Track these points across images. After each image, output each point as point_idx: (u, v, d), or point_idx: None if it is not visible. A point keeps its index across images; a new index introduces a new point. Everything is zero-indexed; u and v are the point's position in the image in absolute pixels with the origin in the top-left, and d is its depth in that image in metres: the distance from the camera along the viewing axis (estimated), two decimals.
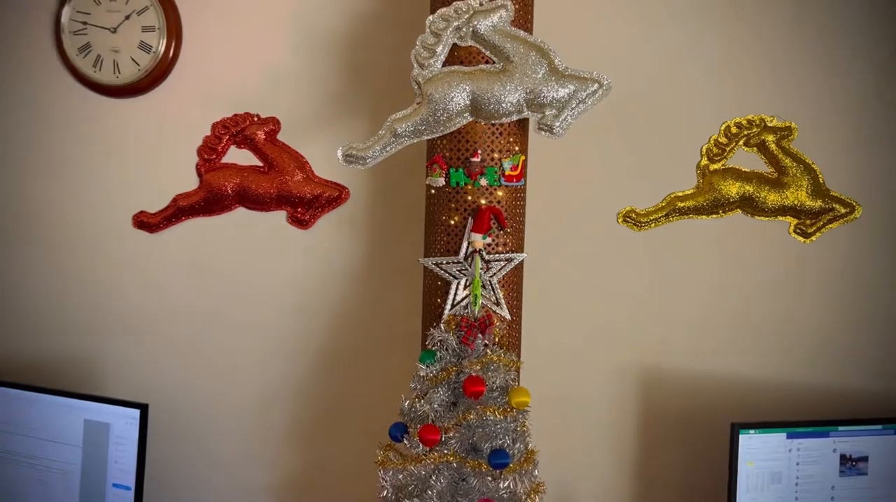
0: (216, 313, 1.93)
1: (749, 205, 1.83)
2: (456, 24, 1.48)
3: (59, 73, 1.91)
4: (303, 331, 1.93)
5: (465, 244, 1.52)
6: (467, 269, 1.53)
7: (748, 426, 1.61)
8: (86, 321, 1.95)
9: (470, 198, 1.54)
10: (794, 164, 1.81)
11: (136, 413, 1.67)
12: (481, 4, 1.48)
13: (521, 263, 1.59)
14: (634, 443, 1.89)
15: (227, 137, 1.89)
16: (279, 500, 1.96)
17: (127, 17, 1.87)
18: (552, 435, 1.83)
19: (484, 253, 1.52)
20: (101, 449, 1.71)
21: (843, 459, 1.66)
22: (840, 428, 1.66)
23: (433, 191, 1.58)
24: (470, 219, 1.53)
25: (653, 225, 1.85)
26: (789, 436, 1.64)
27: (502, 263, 1.54)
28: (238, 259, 1.93)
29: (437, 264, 1.54)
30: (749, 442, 1.62)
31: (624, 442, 1.89)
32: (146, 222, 1.93)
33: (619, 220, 1.86)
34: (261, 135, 1.88)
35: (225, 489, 1.95)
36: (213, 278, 1.93)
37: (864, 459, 1.67)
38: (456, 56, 1.50)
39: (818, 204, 1.82)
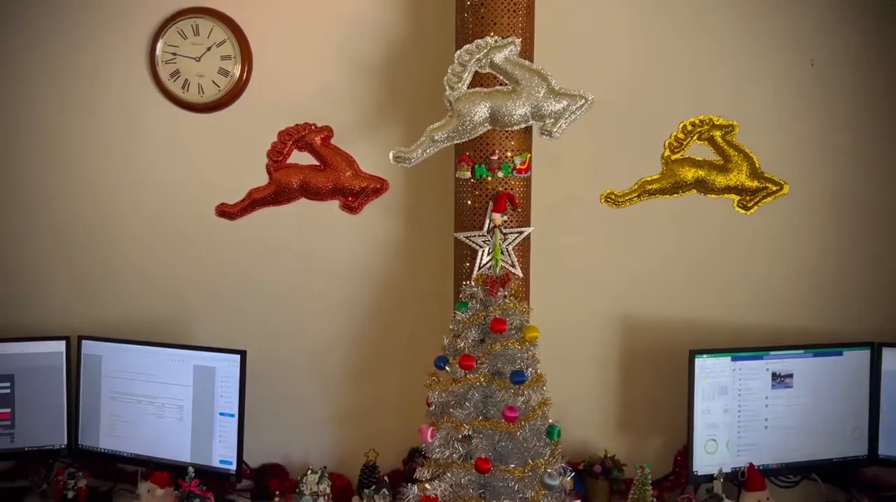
0: (286, 282, 2.43)
1: (702, 186, 2.35)
2: (477, 56, 1.98)
3: (154, 94, 2.39)
4: (355, 295, 2.43)
5: (487, 221, 2.04)
6: (489, 240, 2.04)
7: (702, 352, 2.15)
8: (187, 290, 2.44)
9: (490, 186, 2.05)
10: (736, 154, 2.33)
11: (238, 357, 2.18)
12: (496, 41, 1.98)
13: (529, 235, 2.10)
14: (617, 373, 2.42)
15: (291, 143, 2.38)
16: (339, 428, 2.47)
17: (208, 49, 2.35)
18: (553, 369, 2.32)
19: (502, 227, 2.04)
20: (208, 387, 2.22)
21: (774, 376, 2.20)
22: (771, 352, 2.20)
23: (461, 183, 2.09)
24: (490, 203, 2.04)
25: (627, 203, 2.36)
26: (733, 359, 2.18)
27: (515, 235, 2.06)
28: (301, 239, 2.42)
29: (467, 237, 2.06)
30: (703, 364, 2.15)
31: (608, 372, 2.42)
32: (227, 211, 2.42)
33: (602, 200, 2.37)
34: (317, 139, 2.37)
35: (298, 418, 2.45)
36: (281, 255, 2.42)
37: (790, 376, 2.21)
38: (477, 80, 2.01)
39: (755, 184, 2.34)
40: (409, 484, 2.07)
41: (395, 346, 2.45)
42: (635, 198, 2.37)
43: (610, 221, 2.37)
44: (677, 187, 2.35)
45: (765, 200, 2.34)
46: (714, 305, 2.36)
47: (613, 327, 2.41)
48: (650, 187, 2.36)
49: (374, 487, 2.23)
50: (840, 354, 2.24)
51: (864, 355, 2.25)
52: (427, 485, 1.99)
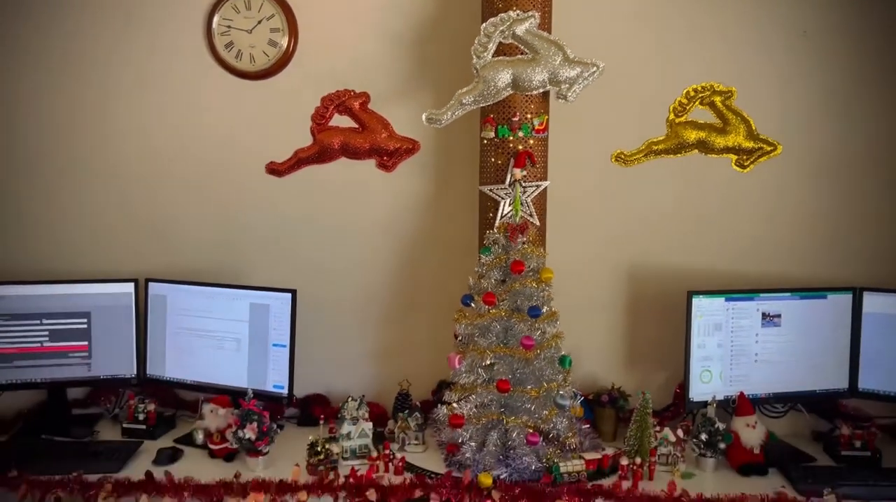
0: (330, 232, 2.71)
1: (703, 146, 2.59)
2: (501, 28, 2.23)
3: (210, 64, 2.66)
4: (390, 244, 2.72)
5: (508, 176, 2.31)
6: (510, 192, 2.31)
7: (699, 293, 2.42)
8: (243, 238, 2.73)
9: (511, 145, 2.31)
10: (735, 117, 2.57)
11: (289, 295, 2.48)
12: (518, 15, 2.23)
13: (546, 189, 2.37)
14: (624, 314, 2.70)
15: (332, 107, 2.65)
16: (376, 363, 2.77)
17: (259, 22, 2.61)
18: (568, 310, 2.59)
19: (522, 181, 2.30)
20: (263, 322, 2.52)
21: (764, 315, 2.47)
22: (762, 294, 2.47)
23: (485, 142, 2.36)
24: (511, 160, 2.31)
25: (635, 162, 2.62)
26: (727, 300, 2.45)
27: (534, 188, 2.33)
28: (343, 194, 2.70)
29: (491, 190, 2.33)
30: (699, 303, 2.42)
31: (616, 314, 2.70)
32: (275, 169, 2.70)
33: (612, 160, 2.63)
34: (356, 104, 2.63)
35: (340, 354, 2.76)
36: (326, 208, 2.71)
37: (779, 316, 2.48)
38: (500, 50, 2.26)
39: (751, 145, 2.58)
40: (439, 406, 2.37)
41: (426, 290, 2.74)
42: (642, 158, 2.62)
43: (619, 178, 2.63)
44: (681, 147, 2.60)
45: (760, 159, 2.58)
46: (712, 253, 2.63)
47: (621, 273, 2.68)
48: (656, 147, 2.61)
49: (407, 411, 2.53)
50: (825, 297, 2.50)
51: (846, 299, 2.50)
52: (455, 405, 2.29)
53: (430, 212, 2.71)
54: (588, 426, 2.49)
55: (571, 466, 2.25)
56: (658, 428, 2.38)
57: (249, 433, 2.28)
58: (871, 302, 2.49)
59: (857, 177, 2.59)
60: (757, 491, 2.16)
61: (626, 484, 2.21)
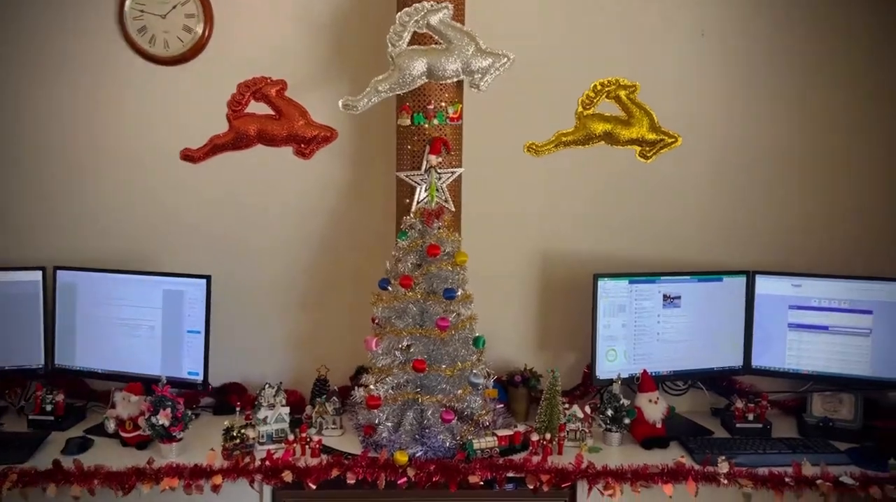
0: (247, 219, 2.72)
1: (609, 138, 2.71)
2: (416, 18, 2.29)
3: (123, 48, 2.62)
4: (308, 230, 2.74)
5: (424, 163, 2.36)
6: (426, 178, 2.37)
7: (604, 275, 2.54)
8: (159, 223, 2.70)
9: (426, 132, 2.37)
10: (638, 110, 2.70)
11: (203, 282, 2.47)
12: (432, 6, 2.29)
13: (460, 175, 2.44)
14: (536, 298, 2.81)
15: (248, 94, 2.63)
16: (293, 350, 2.79)
17: (174, 7, 2.59)
18: (483, 295, 2.68)
19: (437, 168, 2.37)
20: (177, 308, 2.50)
21: (665, 297, 2.62)
22: (663, 277, 2.61)
23: (401, 129, 2.41)
24: (427, 146, 2.37)
25: (546, 152, 2.72)
26: (630, 282, 2.58)
27: (448, 174, 2.39)
28: (259, 181, 2.71)
29: (407, 176, 2.38)
30: (604, 286, 2.54)
31: (529, 298, 2.80)
32: (190, 155, 2.65)
33: (525, 150, 2.72)
34: (273, 91, 2.63)
35: (258, 339, 2.76)
36: (242, 194, 2.71)
37: (679, 297, 2.62)
38: (415, 39, 2.32)
39: (654, 136, 2.71)
40: (356, 388, 2.41)
41: (344, 276, 2.77)
42: (552, 148, 2.71)
43: (531, 167, 2.72)
44: (588, 139, 2.71)
45: (662, 151, 2.72)
46: (618, 239, 2.76)
47: (533, 257, 2.79)
48: (565, 139, 2.71)
49: (324, 396, 2.55)
50: (721, 280, 2.66)
51: (740, 281, 2.68)
52: (371, 387, 2.34)
53: (348, 198, 2.74)
54: (502, 406, 2.58)
55: (484, 443, 2.32)
56: (567, 406, 2.49)
57: (163, 419, 2.26)
58: (762, 284, 2.67)
59: (751, 169, 2.78)
60: (658, 462, 2.29)
61: (536, 459, 2.31)
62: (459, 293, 2.35)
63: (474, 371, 2.34)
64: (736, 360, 2.70)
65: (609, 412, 2.45)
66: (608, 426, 2.46)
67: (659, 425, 2.48)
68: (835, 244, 2.79)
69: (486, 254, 2.62)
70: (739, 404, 2.58)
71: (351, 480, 2.21)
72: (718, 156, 2.77)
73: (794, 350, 2.65)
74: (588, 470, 2.25)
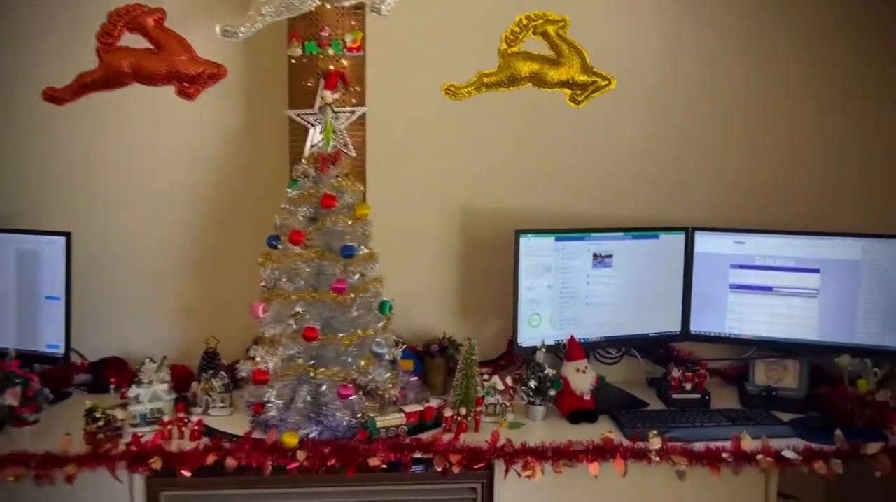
0: (119, 167, 2.37)
1: (537, 79, 2.42)
2: None
3: None
4: (195, 181, 2.40)
5: (318, 99, 2.05)
6: (321, 118, 2.05)
7: (527, 232, 2.26)
8: (12, 173, 2.34)
9: (321, 64, 2.05)
10: (569, 49, 2.42)
11: (62, 239, 2.12)
12: None
13: (364, 116, 2.13)
14: (457, 260, 2.52)
15: (121, 24, 2.27)
16: (182, 320, 2.46)
17: None
18: (396, 257, 2.41)
19: (333, 106, 2.05)
20: (32, 271, 2.15)
21: (595, 256, 2.36)
22: (593, 234, 2.35)
23: (294, 61, 2.09)
24: (322, 80, 2.05)
25: (466, 95, 2.41)
26: (557, 240, 2.31)
27: (347, 114, 2.08)
28: (135, 124, 2.36)
29: (298, 115, 2.06)
30: (527, 243, 2.27)
31: (449, 260, 2.52)
32: (54, 96, 2.29)
33: (442, 92, 2.42)
34: (150, 21, 2.26)
35: (141, 308, 2.43)
36: (115, 138, 2.36)
37: (610, 256, 2.37)
38: None
39: (585, 78, 2.44)
40: (242, 361, 2.11)
41: (239, 235, 2.44)
42: (473, 91, 2.42)
43: (449, 111, 2.42)
44: (514, 80, 2.42)
45: (594, 95, 2.44)
46: (545, 193, 2.49)
47: (453, 215, 2.50)
48: (488, 80, 2.41)
49: (212, 371, 2.24)
50: (657, 237, 2.42)
51: (678, 239, 2.43)
52: (258, 358, 2.03)
53: (241, 146, 2.41)
54: (417, 379, 2.30)
55: (390, 420, 2.05)
56: (486, 377, 2.23)
57: (10, 399, 1.94)
58: (702, 242, 2.43)
59: (692, 117, 2.52)
60: (585, 437, 2.04)
61: (448, 437, 2.04)
62: (362, 251, 2.06)
63: (378, 339, 2.05)
64: (673, 325, 2.46)
65: (532, 383, 2.20)
66: (531, 399, 2.21)
67: (587, 397, 2.23)
68: (780, 199, 2.56)
69: (396, 208, 2.35)
70: (676, 373, 2.35)
71: (232, 465, 1.91)
72: (656, 101, 2.51)
73: (736, 313, 2.43)
74: (504, 449, 1.99)
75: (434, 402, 2.18)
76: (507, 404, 2.21)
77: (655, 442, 2.01)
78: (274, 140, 2.36)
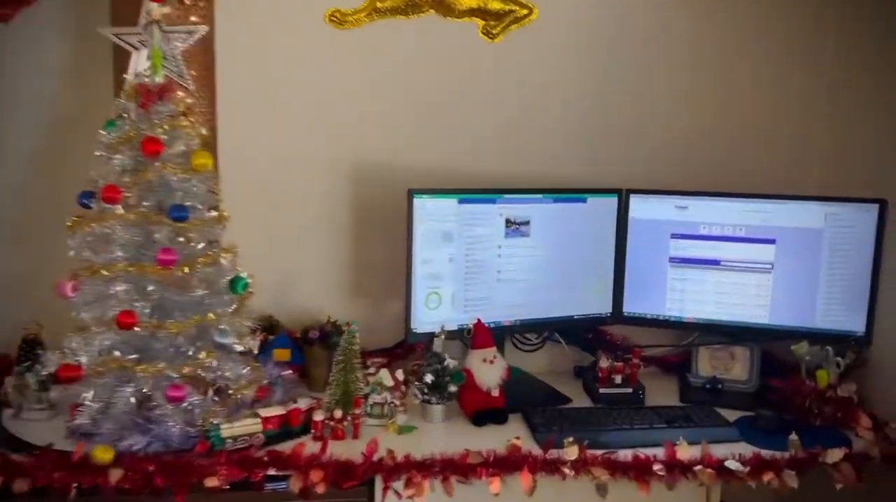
0: None
1: (441, 6, 2.00)
2: None
3: None
4: (8, 132, 1.92)
5: (143, 14, 1.58)
6: (147, 39, 1.59)
7: (422, 192, 1.83)
8: None
9: None
10: None
11: None
12: None
13: (213, 40, 1.68)
14: (347, 231, 2.08)
15: None
16: (5, 296, 1.99)
17: None
18: (272, 226, 1.99)
19: (163, 24, 1.59)
20: None
21: (508, 223, 1.94)
22: (505, 196, 1.93)
23: None
24: None
25: (354, 24, 1.98)
26: (461, 202, 1.88)
27: (184, 35, 1.62)
28: None
29: (116, 34, 1.60)
30: (423, 206, 1.84)
31: (338, 230, 2.07)
32: None
33: (325, 19, 1.98)
34: None
35: None
36: None
37: (527, 223, 1.96)
38: None
39: (501, 6, 2.02)
40: (51, 352, 1.65)
41: (67, 196, 1.96)
42: (364, 18, 1.99)
43: (335, 43, 1.98)
44: (413, 7, 2.00)
45: (511, 27, 2.04)
46: (450, 147, 2.06)
47: (340, 176, 2.05)
48: (381, 5, 1.99)
49: (28, 365, 1.78)
50: (584, 201, 2.01)
51: (610, 203, 2.04)
52: (66, 350, 1.58)
53: (65, 82, 1.92)
54: (291, 372, 1.88)
55: (240, 428, 1.62)
56: (373, 371, 1.81)
57: None
58: (638, 206, 2.04)
59: (627, 61, 2.11)
60: (491, 443, 1.64)
61: (315, 447, 1.62)
62: (207, 214, 1.61)
63: (222, 326, 1.61)
64: (603, 306, 2.08)
65: (428, 378, 1.79)
66: (425, 396, 1.80)
67: (495, 393, 1.83)
68: (731, 157, 2.19)
69: (273, 165, 1.94)
70: (604, 363, 1.96)
71: (21, 489, 1.47)
72: (586, 40, 2.09)
73: (677, 292, 2.05)
74: (383, 463, 1.58)
75: (304, 403, 1.75)
76: (397, 404, 1.80)
77: (571, 452, 1.62)
78: (102, 73, 1.88)
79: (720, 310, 2.03)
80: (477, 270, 1.92)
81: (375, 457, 1.59)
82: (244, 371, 1.68)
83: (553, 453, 1.62)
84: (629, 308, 2.08)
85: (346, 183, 2.06)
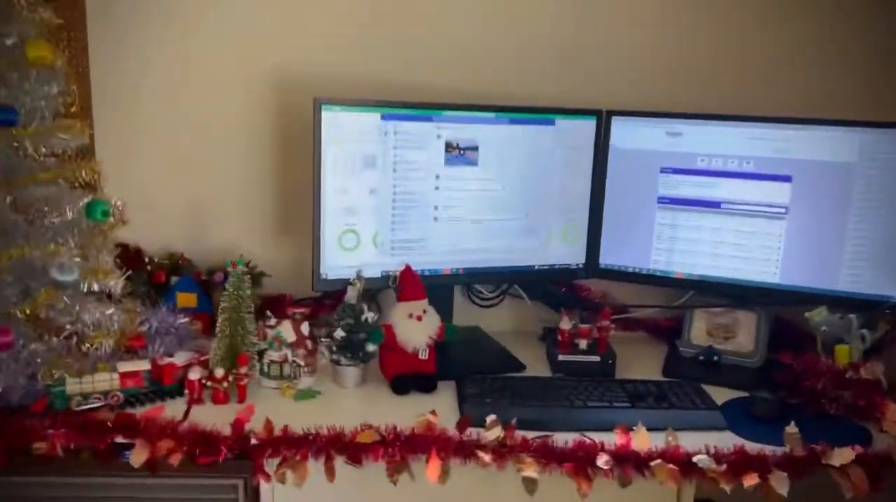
0: None
1: None
2: None
3: None
4: None
5: None
6: None
7: (332, 103, 1.47)
8: None
9: None
10: None
11: None
12: None
13: None
14: (268, 150, 1.75)
15: None
16: None
17: None
18: (178, 151, 1.70)
19: None
20: None
21: (450, 147, 1.57)
22: (446, 113, 1.55)
23: None
24: None
25: None
26: (385, 118, 1.51)
27: None
28: None
29: None
30: (335, 122, 1.47)
31: (257, 149, 1.75)
32: None
33: None
34: None
35: None
36: None
37: (474, 148, 1.58)
38: None
39: None
40: None
41: None
42: None
43: None
44: None
45: None
46: (403, 59, 1.69)
47: (265, 88, 1.71)
48: None
49: None
50: (551, 123, 1.63)
51: (585, 126, 1.65)
52: None
53: None
54: (187, 320, 1.58)
55: (90, 384, 1.33)
56: (273, 322, 1.49)
57: None
58: (621, 131, 1.65)
59: None
60: (408, 416, 1.31)
61: (179, 411, 1.33)
62: (37, 112, 1.30)
63: (62, 260, 1.31)
64: (575, 256, 1.71)
65: (338, 333, 1.46)
66: (334, 356, 1.48)
67: (424, 355, 1.49)
68: (736, 71, 1.75)
69: (166, 72, 1.59)
70: (565, 324, 1.59)
71: None
72: None
73: (666, 241, 1.66)
74: (247, 438, 1.27)
75: (182, 357, 1.45)
76: (301, 363, 1.48)
77: (492, 432, 1.27)
78: None
79: (720, 265, 1.63)
80: (408, 206, 1.56)
81: (246, 431, 1.28)
82: (109, 313, 1.39)
83: (471, 433, 1.28)
84: (607, 259, 1.70)
85: (267, 97, 1.72)
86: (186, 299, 1.67)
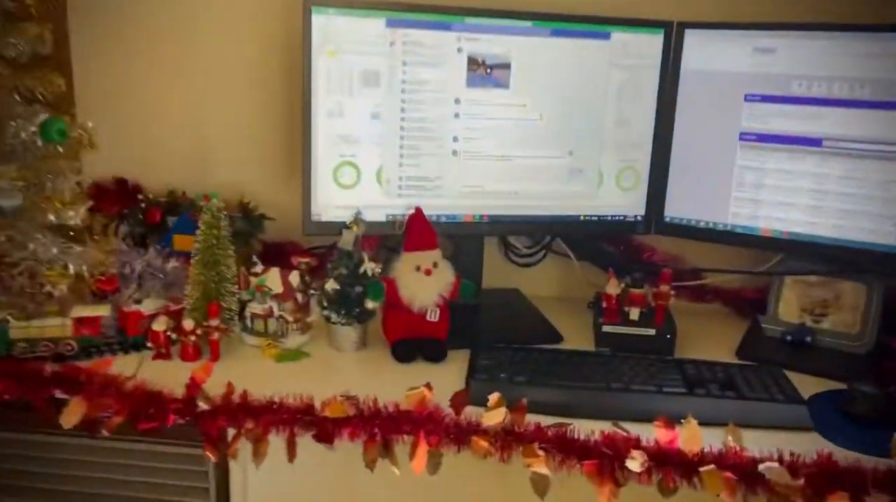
0: None
1: None
2: None
3: None
4: None
5: None
6: None
7: (325, 4, 1.20)
8: None
9: None
10: None
11: None
12: None
13: None
14: (285, 82, 1.51)
15: None
16: None
17: None
18: (184, 78, 1.51)
19: None
20: None
21: (474, 62, 1.28)
22: (467, 20, 1.26)
23: None
24: None
25: None
26: (391, 24, 1.24)
27: None
28: None
29: None
30: (327, 26, 1.21)
31: (274, 80, 1.51)
32: None
33: None
34: None
35: None
36: None
37: (506, 66, 1.29)
38: None
39: None
40: None
41: None
42: None
43: None
44: None
45: None
46: None
47: (280, 16, 1.48)
48: None
49: None
50: (605, 37, 1.31)
51: (650, 42, 1.32)
52: None
53: None
54: (178, 264, 1.39)
55: (38, 329, 1.16)
56: (259, 269, 1.27)
57: None
58: (696, 49, 1.31)
59: None
60: (402, 386, 1.06)
61: (131, 367, 1.13)
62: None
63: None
64: (633, 206, 1.39)
65: (330, 286, 1.23)
66: (325, 311, 1.24)
67: (433, 317, 1.24)
68: None
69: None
70: (612, 289, 1.29)
71: None
72: None
73: (749, 190, 1.32)
74: (197, 404, 1.05)
75: (150, 305, 1.26)
76: (289, 319, 1.25)
77: (494, 415, 1.00)
78: None
79: (817, 222, 1.27)
80: (420, 135, 1.28)
81: (200, 396, 1.06)
82: (75, 249, 1.21)
83: (470, 415, 1.02)
84: (673, 211, 1.38)
85: (278, 26, 1.48)
86: (184, 242, 1.47)
